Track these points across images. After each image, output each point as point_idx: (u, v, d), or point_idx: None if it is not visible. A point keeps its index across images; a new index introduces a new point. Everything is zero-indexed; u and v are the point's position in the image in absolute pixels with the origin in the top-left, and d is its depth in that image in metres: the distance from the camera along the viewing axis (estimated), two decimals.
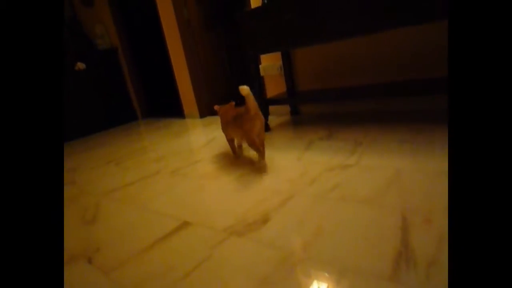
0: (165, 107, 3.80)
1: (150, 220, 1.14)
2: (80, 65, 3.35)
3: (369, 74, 1.98)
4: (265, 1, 1.92)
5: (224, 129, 1.63)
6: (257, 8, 1.81)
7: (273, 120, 2.29)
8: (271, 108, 2.46)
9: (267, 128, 2.05)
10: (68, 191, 1.64)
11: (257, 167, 1.45)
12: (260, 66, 2.37)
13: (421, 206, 0.90)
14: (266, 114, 2.05)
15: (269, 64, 2.39)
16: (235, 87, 3.41)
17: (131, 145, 2.47)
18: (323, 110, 2.27)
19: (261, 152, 1.41)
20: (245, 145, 1.77)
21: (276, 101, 2.10)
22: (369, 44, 1.92)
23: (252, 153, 1.66)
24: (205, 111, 3.13)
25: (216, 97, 3.21)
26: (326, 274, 0.71)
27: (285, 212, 1.01)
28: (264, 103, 2.03)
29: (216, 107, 1.72)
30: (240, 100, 1.47)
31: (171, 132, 2.66)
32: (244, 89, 1.33)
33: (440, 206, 0.87)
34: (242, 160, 1.59)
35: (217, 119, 2.87)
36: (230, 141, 1.65)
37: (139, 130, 3.12)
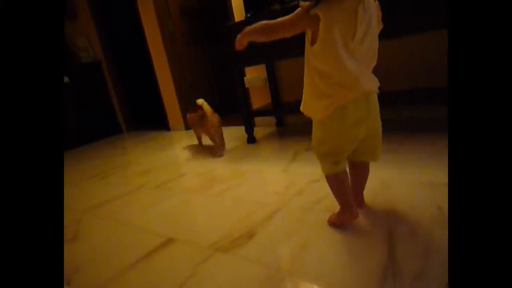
0: (150, 120, 3.75)
1: (134, 237, 1.10)
2: (64, 79, 3.29)
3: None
4: (249, 15, 1.94)
5: (194, 129, 2.22)
6: (240, 22, 1.83)
7: (258, 132, 2.29)
8: (257, 119, 2.46)
9: (253, 140, 2.05)
10: None
11: (218, 155, 1.89)
12: (245, 78, 2.38)
13: (406, 218, 0.90)
14: (251, 126, 2.05)
15: (254, 76, 2.40)
16: (221, 99, 3.40)
17: (116, 159, 2.42)
18: (307, 120, 2.29)
19: (216, 143, 1.92)
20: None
21: (261, 112, 2.11)
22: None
23: (236, 167, 1.65)
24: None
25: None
26: None
27: (271, 226, 1.00)
28: (249, 115, 2.04)
29: (187, 115, 2.18)
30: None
31: (156, 145, 2.63)
32: (199, 101, 1.94)
33: (425, 218, 0.88)
34: (227, 174, 1.58)
35: None
36: (198, 138, 2.25)
37: (124, 143, 3.06)
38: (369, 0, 0.73)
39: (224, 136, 1.97)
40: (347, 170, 0.91)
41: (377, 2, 0.78)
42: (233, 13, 2.31)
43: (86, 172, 2.19)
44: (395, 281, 0.68)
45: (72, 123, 3.29)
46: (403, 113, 1.89)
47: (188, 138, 2.70)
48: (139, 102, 3.96)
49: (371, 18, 0.74)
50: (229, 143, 2.18)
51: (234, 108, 3.45)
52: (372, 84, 0.81)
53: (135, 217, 1.27)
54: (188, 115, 2.15)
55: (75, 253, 1.07)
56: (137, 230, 1.15)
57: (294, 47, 1.65)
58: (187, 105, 3.07)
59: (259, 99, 2.45)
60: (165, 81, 3.03)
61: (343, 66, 0.75)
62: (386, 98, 1.63)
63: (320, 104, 0.82)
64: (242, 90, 1.98)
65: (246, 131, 2.04)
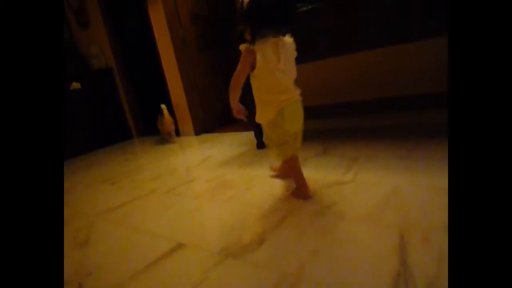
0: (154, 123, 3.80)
1: (144, 242, 1.11)
2: (75, 85, 3.36)
3: (363, 89, 2.00)
4: None
5: (160, 128, 3.00)
6: None
7: None
8: None
9: (262, 145, 2.05)
10: None
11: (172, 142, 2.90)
12: None
13: (419, 223, 0.89)
14: (260, 131, 2.05)
15: None
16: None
17: (127, 164, 2.45)
18: (317, 126, 2.28)
19: (171, 135, 2.97)
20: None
21: None
22: (363, 60, 1.95)
23: (246, 172, 1.65)
24: (200, 129, 3.13)
25: (211, 115, 3.22)
26: None
27: (281, 231, 0.99)
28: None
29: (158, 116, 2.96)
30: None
31: (166, 150, 2.65)
32: (162, 105, 2.88)
33: (438, 224, 0.86)
34: (237, 179, 1.58)
35: (212, 137, 2.88)
36: (166, 134, 2.98)
37: (134, 148, 3.10)
38: (284, 39, 1.10)
39: (232, 141, 2.47)
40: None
41: (292, 39, 1.13)
42: None
43: (98, 177, 2.22)
44: (407, 287, 0.67)
45: (83, 128, 3.35)
46: (415, 118, 1.87)
47: (198, 144, 2.71)
48: (150, 108, 4.01)
49: (288, 50, 1.11)
50: (238, 149, 2.19)
51: None
52: (296, 92, 1.17)
53: (146, 222, 1.28)
54: (158, 118, 2.98)
55: (87, 257, 1.09)
56: (148, 235, 1.16)
57: (305, 53, 1.66)
58: (198, 110, 3.10)
59: None
60: (175, 87, 3.06)
61: (277, 79, 1.09)
62: (398, 103, 1.62)
63: (267, 110, 1.15)
64: (251, 96, 1.98)
65: (256, 136, 2.05)
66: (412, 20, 1.32)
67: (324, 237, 0.91)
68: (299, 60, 1.14)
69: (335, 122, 2.19)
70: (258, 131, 2.03)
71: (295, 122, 1.17)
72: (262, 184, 1.43)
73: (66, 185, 2.17)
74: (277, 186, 1.38)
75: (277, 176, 1.45)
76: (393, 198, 1.06)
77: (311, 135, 2.14)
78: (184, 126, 3.16)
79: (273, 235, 0.98)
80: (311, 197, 1.17)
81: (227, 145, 2.41)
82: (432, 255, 0.75)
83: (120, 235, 1.21)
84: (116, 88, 3.71)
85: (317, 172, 1.43)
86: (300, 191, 1.19)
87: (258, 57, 1.07)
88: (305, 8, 1.61)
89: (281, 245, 0.92)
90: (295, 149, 1.20)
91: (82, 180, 2.20)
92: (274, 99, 1.11)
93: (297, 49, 1.14)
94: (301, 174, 1.20)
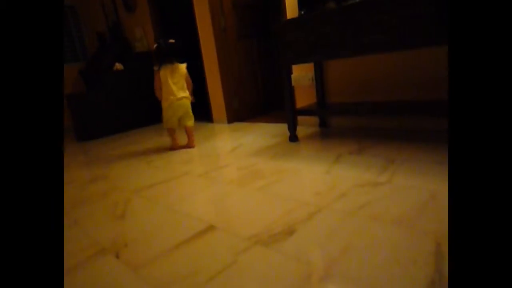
0: (194, 110, 3.88)
1: (177, 221, 1.16)
2: (119, 66, 3.51)
3: (405, 90, 1.93)
4: (302, 12, 1.93)
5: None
6: (295, 19, 1.82)
7: (301, 131, 2.28)
8: (300, 118, 2.45)
9: (295, 138, 2.04)
10: (100, 186, 1.70)
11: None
12: (292, 76, 2.37)
13: None
14: (295, 124, 2.04)
15: (301, 74, 2.39)
16: (264, 95, 3.42)
17: (162, 145, 2.54)
18: (353, 124, 2.23)
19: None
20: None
21: (305, 111, 2.10)
22: (406, 59, 1.87)
23: (277, 164, 1.66)
24: (233, 117, 3.17)
25: (245, 104, 3.24)
26: None
27: (312, 225, 1.00)
28: (294, 113, 2.03)
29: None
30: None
31: (199, 136, 2.71)
32: None
33: None
34: (268, 170, 1.59)
35: (244, 126, 2.90)
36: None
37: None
38: (177, 65, 2.16)
39: (265, 132, 2.53)
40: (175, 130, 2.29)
41: (185, 64, 2.21)
42: (285, 10, 2.31)
43: (135, 155, 2.32)
44: None
45: (124, 108, 3.50)
46: None
47: (230, 132, 2.75)
48: None
49: (178, 71, 2.16)
50: (270, 140, 2.20)
51: (276, 105, 3.46)
52: (182, 95, 2.17)
53: (179, 202, 1.33)
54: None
55: (124, 230, 1.15)
56: (181, 215, 1.21)
57: (348, 45, 1.62)
58: (232, 98, 3.13)
59: (303, 98, 2.43)
60: (212, 74, 3.11)
61: (170, 88, 2.14)
62: (441, 107, 1.54)
63: (165, 103, 2.19)
64: (288, 88, 1.97)
65: (289, 129, 2.04)
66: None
67: (356, 236, 0.91)
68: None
69: (372, 121, 2.13)
70: (292, 124, 2.02)
71: (177, 110, 2.20)
72: (293, 177, 1.43)
73: (107, 160, 2.29)
74: (308, 181, 1.37)
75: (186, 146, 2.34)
76: (430, 204, 1.02)
77: (346, 132, 2.10)
78: (218, 113, 3.21)
79: (303, 228, 0.98)
80: (175, 150, 2.30)
81: (259, 135, 2.42)
82: None
83: (154, 212, 1.27)
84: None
85: (350, 170, 1.40)
86: (172, 145, 2.33)
87: (161, 75, 2.16)
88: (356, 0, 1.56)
89: (311, 238, 0.93)
90: (173, 125, 2.24)
91: (121, 157, 2.31)
92: (168, 98, 2.17)
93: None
94: (174, 137, 2.31)
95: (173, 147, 2.29)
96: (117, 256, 0.98)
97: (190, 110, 2.25)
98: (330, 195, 1.19)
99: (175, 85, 2.14)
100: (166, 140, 2.63)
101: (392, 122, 2.04)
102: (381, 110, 1.74)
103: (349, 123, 2.26)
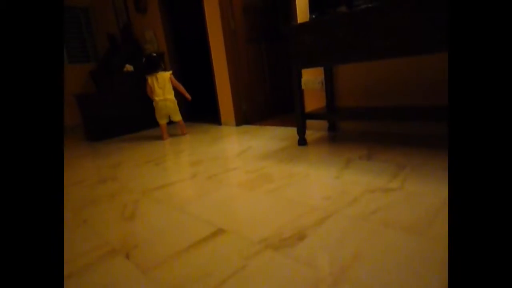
0: (203, 112, 3.90)
1: (186, 223, 1.16)
2: (129, 67, 3.54)
3: (415, 95, 1.91)
4: (313, 16, 1.93)
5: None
6: (306, 23, 1.82)
7: (310, 135, 2.27)
8: (309, 122, 2.44)
9: (304, 142, 2.04)
10: (110, 186, 1.72)
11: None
12: (302, 79, 2.37)
13: None
14: (304, 128, 2.04)
15: (311, 78, 2.38)
16: (272, 98, 3.42)
17: (170, 147, 2.55)
18: (362, 128, 2.22)
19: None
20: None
21: (314, 115, 2.09)
22: (417, 63, 1.86)
23: (286, 168, 1.65)
24: (241, 120, 3.17)
25: (253, 107, 3.24)
26: None
27: (322, 230, 0.99)
28: (303, 117, 2.02)
29: None
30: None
31: (207, 138, 2.72)
32: None
33: None
34: (277, 173, 1.59)
35: (252, 129, 2.90)
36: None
37: (177, 132, 3.22)
38: (162, 73, 2.83)
39: (273, 135, 2.52)
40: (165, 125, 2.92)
41: (170, 72, 2.92)
42: (295, 13, 2.31)
43: (144, 156, 2.34)
44: None
45: (134, 109, 3.53)
46: None
47: (238, 134, 2.76)
48: (195, 94, 4.12)
49: (163, 78, 2.82)
50: (279, 143, 2.20)
51: (284, 108, 3.46)
52: (167, 97, 2.84)
53: (188, 204, 1.33)
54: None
55: (134, 231, 1.16)
56: (190, 217, 1.21)
57: (360, 50, 1.61)
58: (241, 101, 3.14)
59: (312, 102, 2.42)
60: (221, 77, 3.12)
61: (156, 91, 2.82)
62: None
63: (154, 103, 2.87)
64: (298, 92, 1.97)
65: (298, 132, 2.04)
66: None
67: (367, 242, 0.90)
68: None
69: (382, 126, 2.12)
70: (302, 128, 2.02)
71: (163, 109, 2.84)
72: (303, 182, 1.42)
73: (115, 160, 2.31)
74: (318, 186, 1.37)
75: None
76: (443, 211, 1.01)
77: (355, 137, 2.09)
78: (226, 116, 3.22)
79: (314, 233, 0.98)
80: (163, 140, 2.87)
81: (268, 138, 2.42)
82: None
83: (163, 213, 1.27)
84: None
85: (361, 176, 1.39)
86: (162, 137, 2.90)
87: (149, 82, 2.81)
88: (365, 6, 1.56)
89: (322, 244, 0.92)
90: (160, 120, 2.88)
91: (130, 158, 2.33)
92: (156, 98, 2.82)
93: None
94: (163, 131, 2.91)
95: (162, 139, 2.92)
96: (127, 257, 0.98)
97: (177, 108, 2.92)
98: (341, 200, 1.18)
99: (161, 89, 2.81)
100: (172, 141, 2.63)
101: (402, 127, 2.02)
102: (391, 115, 1.72)
103: (358, 128, 2.25)
